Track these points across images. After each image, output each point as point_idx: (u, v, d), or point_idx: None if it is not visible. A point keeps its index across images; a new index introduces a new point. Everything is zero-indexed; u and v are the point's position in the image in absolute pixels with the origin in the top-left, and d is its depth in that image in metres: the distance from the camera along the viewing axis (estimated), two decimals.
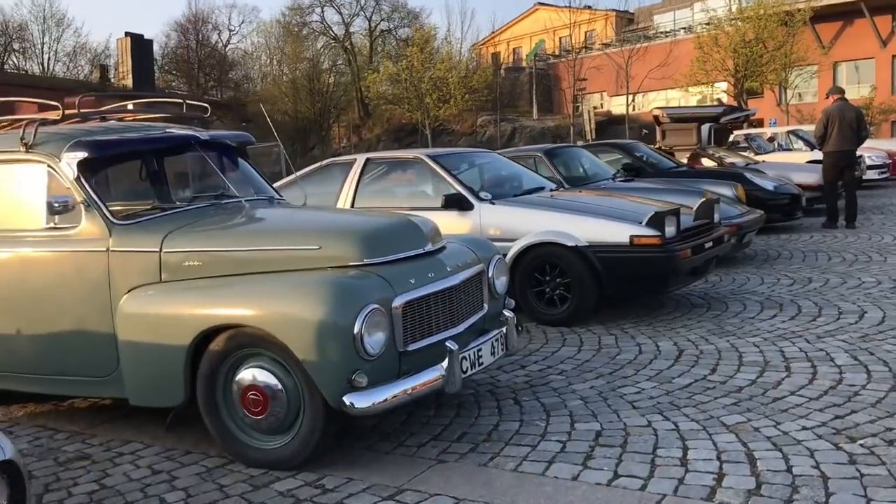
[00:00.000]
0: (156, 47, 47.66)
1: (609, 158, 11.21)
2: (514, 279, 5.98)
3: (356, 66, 52.45)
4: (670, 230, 5.69)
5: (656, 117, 13.47)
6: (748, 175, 10.40)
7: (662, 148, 13.15)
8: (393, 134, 56.18)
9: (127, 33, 46.10)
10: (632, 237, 5.64)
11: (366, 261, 3.61)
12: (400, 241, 3.79)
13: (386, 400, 3.33)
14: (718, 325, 5.63)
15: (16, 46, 42.27)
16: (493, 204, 6.18)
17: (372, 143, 56.10)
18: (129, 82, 45.67)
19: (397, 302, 3.49)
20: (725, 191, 9.04)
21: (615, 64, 35.21)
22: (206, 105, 5.12)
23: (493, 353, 3.99)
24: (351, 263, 3.60)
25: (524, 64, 57.46)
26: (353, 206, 6.77)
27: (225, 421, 3.60)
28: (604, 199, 6.53)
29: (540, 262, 5.92)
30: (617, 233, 5.69)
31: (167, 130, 4.57)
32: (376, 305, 3.36)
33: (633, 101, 40.60)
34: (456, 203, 6.20)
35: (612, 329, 5.71)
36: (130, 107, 5.34)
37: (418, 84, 37.53)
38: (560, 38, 55.88)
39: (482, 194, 6.28)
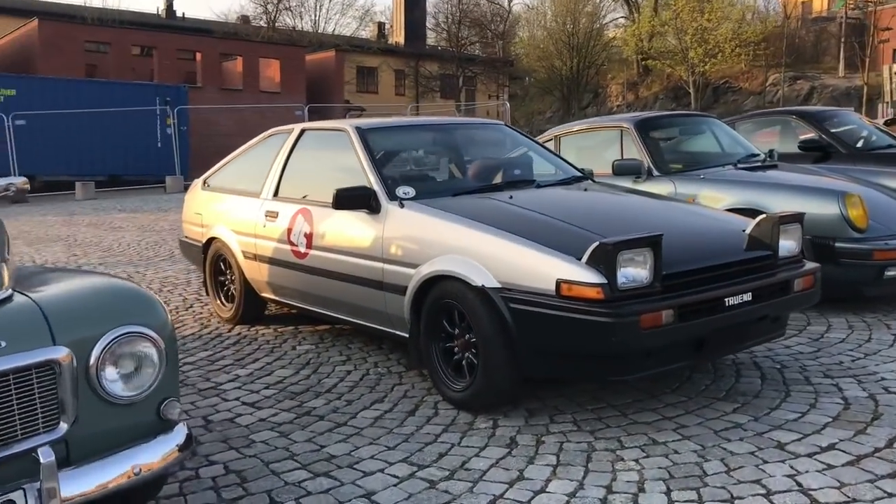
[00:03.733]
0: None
1: (799, 132, 8.18)
2: (420, 325, 3.88)
3: (638, 18, 48.81)
4: (633, 273, 3.23)
5: None
6: None
7: None
8: (672, 92, 52.03)
9: None
10: (559, 282, 3.27)
11: None
12: None
13: None
14: (706, 444, 3.10)
15: (291, 4, 44.30)
16: (403, 207, 4.06)
17: (648, 101, 52.49)
18: (401, 39, 46.39)
19: None
20: None
21: None
22: None
23: None
24: None
25: (837, 12, 49.93)
26: (276, 191, 4.99)
27: None
28: (601, 207, 4.09)
29: (447, 305, 3.73)
30: (541, 271, 3.34)
31: None
32: None
33: None
34: (357, 201, 4.16)
35: (533, 424, 3.41)
36: None
37: (682, 36, 33.61)
38: None
39: (401, 191, 4.16)
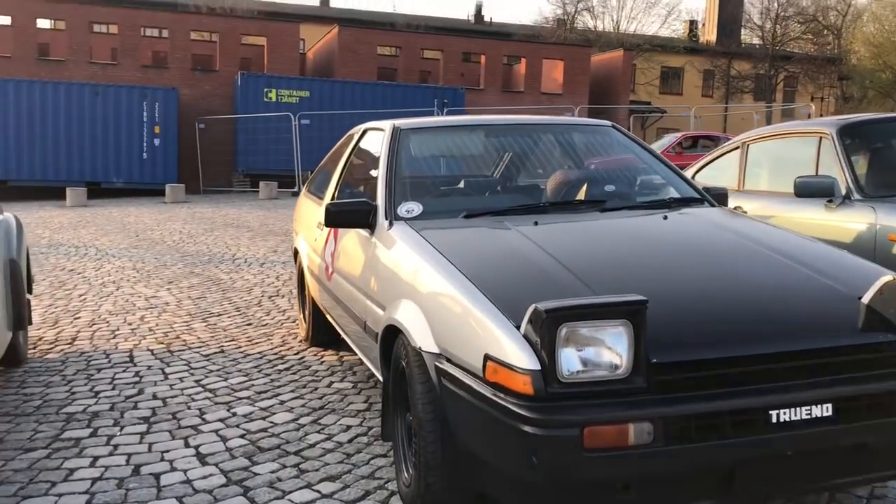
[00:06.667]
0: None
1: None
2: (389, 386, 2.97)
3: None
4: (596, 358, 2.05)
5: None
6: None
7: None
8: None
9: None
10: (486, 359, 2.17)
11: None
12: None
13: None
14: None
15: (592, 3, 42.90)
16: (391, 227, 3.12)
17: None
18: (712, 37, 43.38)
19: None
20: None
21: None
22: None
23: None
24: None
25: None
26: (333, 199, 4.26)
27: None
28: (649, 248, 2.83)
29: (402, 366, 2.76)
30: (474, 339, 2.27)
31: None
32: None
33: None
34: (351, 217, 3.32)
35: None
36: None
37: None
38: None
39: (404, 208, 3.23)
